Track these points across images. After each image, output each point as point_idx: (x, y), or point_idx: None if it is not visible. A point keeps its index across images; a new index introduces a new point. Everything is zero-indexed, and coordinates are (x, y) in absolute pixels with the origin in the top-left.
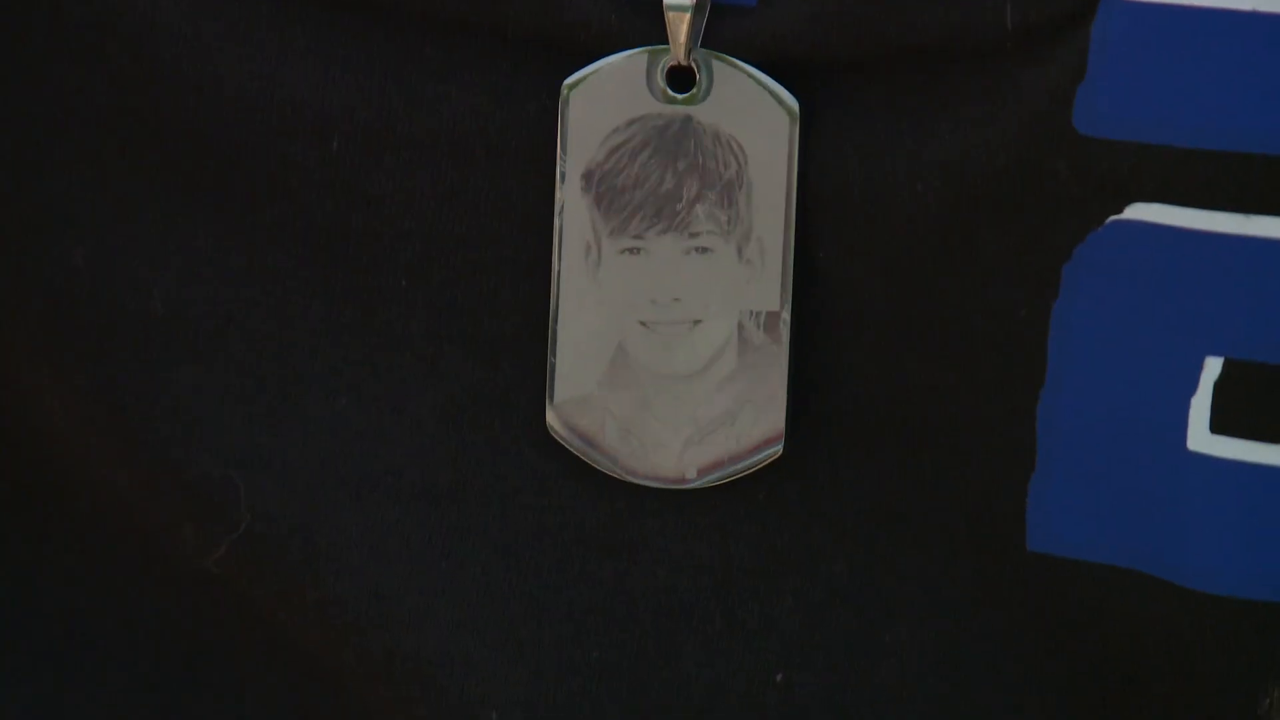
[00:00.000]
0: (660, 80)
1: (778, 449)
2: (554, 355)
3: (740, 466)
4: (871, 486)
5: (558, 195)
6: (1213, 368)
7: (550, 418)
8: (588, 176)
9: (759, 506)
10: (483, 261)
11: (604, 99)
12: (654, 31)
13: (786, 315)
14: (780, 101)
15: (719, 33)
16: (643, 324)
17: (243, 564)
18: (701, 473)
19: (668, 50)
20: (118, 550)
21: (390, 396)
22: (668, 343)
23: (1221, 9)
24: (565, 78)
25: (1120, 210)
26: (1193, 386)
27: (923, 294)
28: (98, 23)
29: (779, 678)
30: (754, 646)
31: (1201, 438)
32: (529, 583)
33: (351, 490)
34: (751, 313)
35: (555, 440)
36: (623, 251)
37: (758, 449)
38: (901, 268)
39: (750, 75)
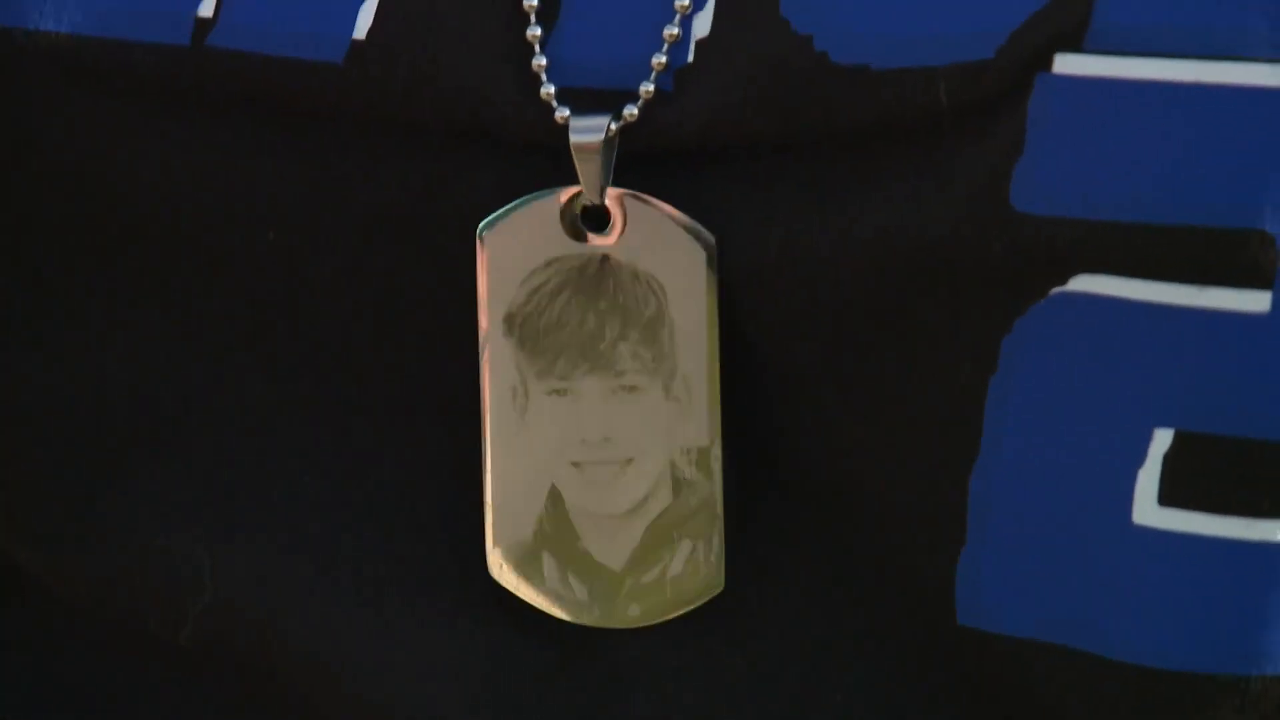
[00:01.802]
0: (575, 220)
1: (718, 585)
2: (488, 500)
3: (681, 606)
4: (808, 553)
5: (481, 338)
6: (1162, 439)
7: (491, 562)
8: (509, 319)
9: (701, 633)
10: (431, 333)
11: (520, 241)
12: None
13: (717, 450)
14: (696, 236)
15: (637, 120)
16: (574, 465)
17: (211, 637)
18: (644, 612)
19: (580, 190)
20: (90, 629)
21: (349, 470)
22: (600, 482)
23: (1163, 81)
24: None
25: (1064, 282)
26: (1140, 459)
27: (855, 368)
28: (32, 126)
29: None
30: (689, 701)
31: (1149, 510)
32: (483, 663)
33: (314, 558)
34: (682, 449)
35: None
36: (550, 393)
37: (697, 587)
38: (831, 343)
39: (664, 212)
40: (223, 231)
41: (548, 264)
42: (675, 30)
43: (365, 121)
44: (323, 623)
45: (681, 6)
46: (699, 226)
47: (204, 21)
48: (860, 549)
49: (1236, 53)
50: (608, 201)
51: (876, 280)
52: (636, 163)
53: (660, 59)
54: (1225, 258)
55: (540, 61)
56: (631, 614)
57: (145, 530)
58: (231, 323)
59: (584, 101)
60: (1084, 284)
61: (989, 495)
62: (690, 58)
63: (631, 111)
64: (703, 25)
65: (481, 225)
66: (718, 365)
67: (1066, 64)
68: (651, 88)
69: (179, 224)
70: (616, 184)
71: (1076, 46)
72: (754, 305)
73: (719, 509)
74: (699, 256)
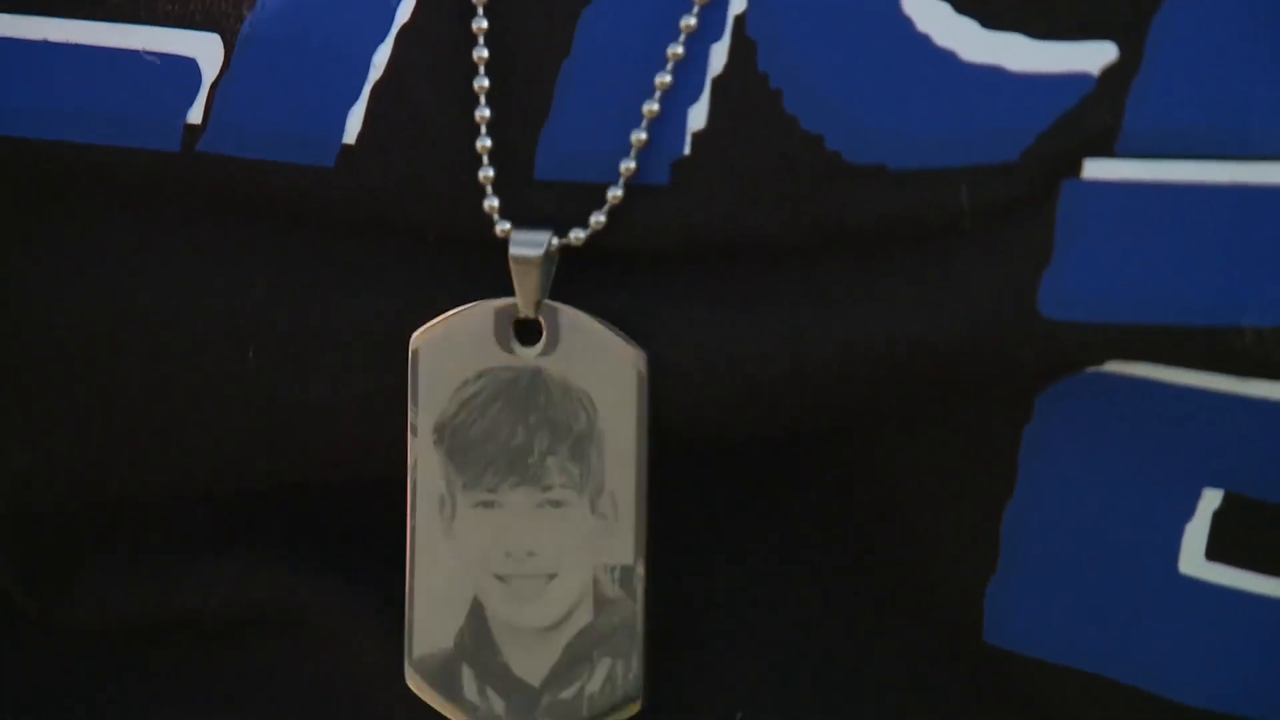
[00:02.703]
0: (508, 332)
1: (635, 705)
2: (410, 610)
3: None
4: (825, 563)
5: (410, 449)
6: (1212, 498)
7: (409, 673)
8: (439, 429)
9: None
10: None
11: (453, 351)
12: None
13: (641, 569)
14: (627, 351)
15: (631, 213)
16: (498, 577)
17: (234, 607)
18: None
19: (514, 301)
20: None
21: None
22: (523, 596)
23: (1199, 183)
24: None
25: (1100, 365)
26: (1188, 514)
27: (875, 429)
28: (14, 235)
29: (739, 716)
30: (712, 709)
31: (1195, 563)
32: None
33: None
34: (606, 566)
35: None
36: (477, 505)
37: (614, 705)
38: (850, 428)
39: (596, 327)
40: (205, 350)
41: (479, 375)
42: (655, 106)
43: (352, 230)
44: (344, 594)
45: (662, 83)
46: (630, 342)
47: (193, 127)
48: (885, 568)
49: (1273, 153)
50: (542, 315)
51: (889, 385)
52: (608, 262)
53: (640, 135)
54: (1269, 356)
55: (488, 174)
56: None
57: (170, 538)
58: (206, 448)
59: (568, 195)
60: (1120, 367)
61: (1022, 532)
62: (687, 150)
63: (579, 235)
64: (698, 117)
65: (415, 334)
66: (645, 483)
67: (1097, 169)
68: (634, 164)
69: (160, 342)
70: (600, 287)
71: (1107, 151)
72: (738, 410)
73: (640, 628)
74: (631, 373)
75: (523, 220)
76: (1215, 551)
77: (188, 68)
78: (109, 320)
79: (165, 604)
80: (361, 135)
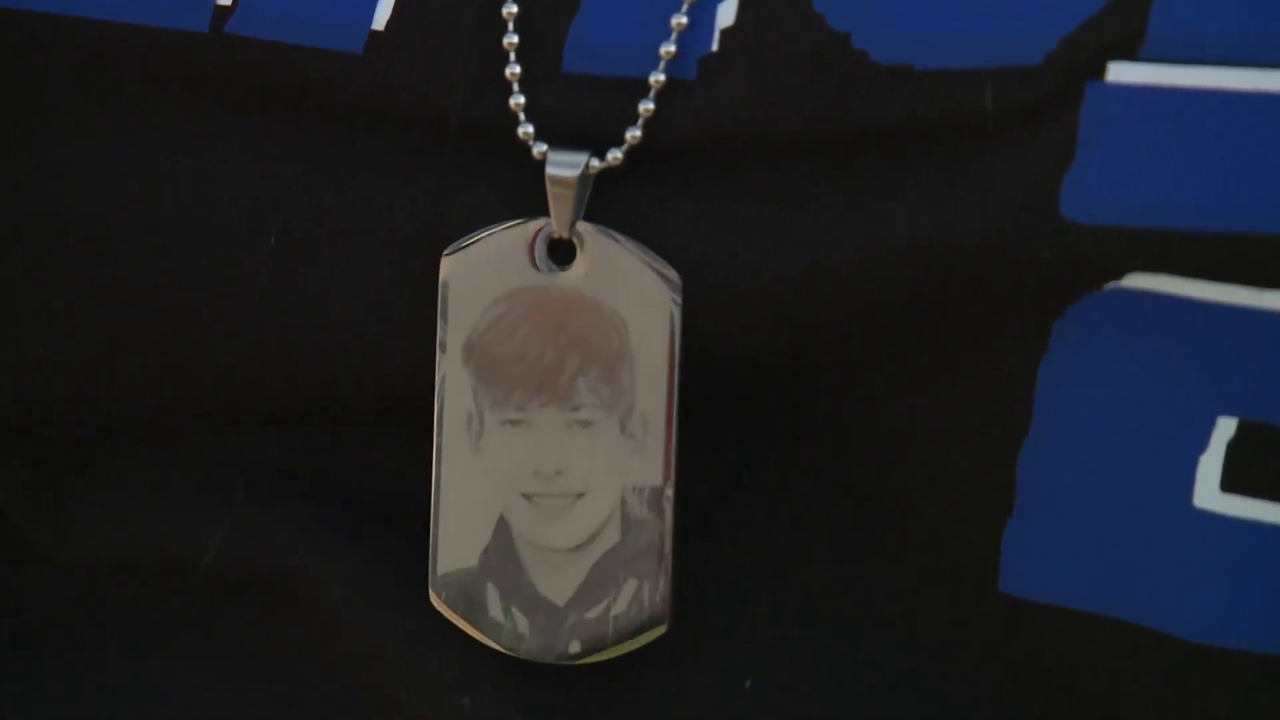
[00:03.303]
0: (541, 252)
1: (661, 627)
2: (436, 527)
3: (623, 645)
4: (848, 507)
5: (438, 365)
6: (1226, 427)
7: (432, 590)
8: (469, 347)
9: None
10: (425, 344)
11: (485, 270)
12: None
13: (670, 491)
14: (661, 275)
15: (651, 118)
16: (525, 496)
17: (230, 562)
18: (585, 649)
19: (549, 222)
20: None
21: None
22: (550, 515)
23: (1220, 89)
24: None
25: (1119, 279)
26: (1202, 445)
27: (893, 354)
28: (28, 129)
29: (747, 684)
30: (721, 658)
31: (1210, 495)
32: None
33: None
34: (634, 487)
35: None
36: (505, 423)
37: (640, 627)
38: (863, 339)
39: (631, 249)
40: (226, 236)
41: (510, 294)
42: (683, 19)
43: (377, 122)
44: (342, 557)
45: None
46: (665, 264)
47: (223, 8)
48: (897, 516)
49: None
50: (576, 235)
51: (911, 287)
52: (642, 174)
53: (669, 48)
54: None
55: (514, 70)
56: (572, 650)
57: (173, 465)
58: (224, 338)
59: (595, 90)
60: (1139, 281)
61: (1038, 472)
62: (715, 46)
63: (616, 156)
64: (727, 14)
65: (446, 251)
66: (676, 405)
67: (1120, 72)
68: (663, 77)
69: (181, 228)
70: (632, 190)
71: (1131, 55)
72: (770, 315)
73: (668, 549)
74: (664, 294)
75: (548, 118)
76: (1230, 483)
77: None
78: (129, 203)
79: (157, 548)
80: (390, 23)
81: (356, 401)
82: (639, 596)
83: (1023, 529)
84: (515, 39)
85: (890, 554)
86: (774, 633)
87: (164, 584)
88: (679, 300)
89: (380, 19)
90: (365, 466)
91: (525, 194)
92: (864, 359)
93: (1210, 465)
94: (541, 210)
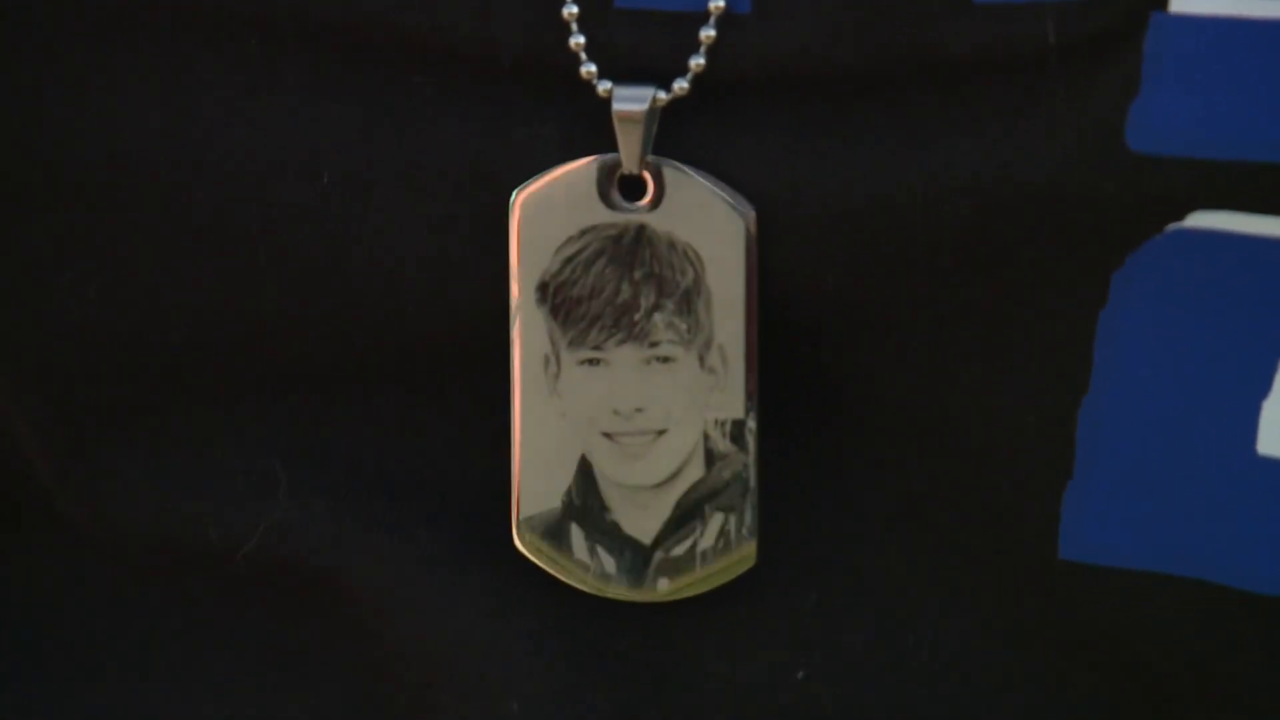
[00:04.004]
0: (612, 188)
1: (750, 560)
2: (516, 470)
3: (711, 579)
4: (899, 484)
5: (512, 306)
6: None
7: (516, 533)
8: (542, 287)
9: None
10: (483, 287)
11: (555, 208)
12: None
13: (752, 423)
14: (734, 207)
15: (713, 46)
16: (606, 435)
17: (269, 556)
18: (673, 586)
19: (619, 158)
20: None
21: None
22: (632, 453)
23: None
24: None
25: (1181, 218)
26: (1265, 390)
27: (954, 303)
28: (82, 73)
29: (800, 675)
30: (776, 641)
31: (1275, 441)
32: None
33: (381, 486)
34: (716, 421)
35: None
36: (582, 362)
37: (729, 561)
38: (925, 283)
39: (703, 182)
40: (278, 175)
41: (583, 233)
42: None
43: (430, 60)
44: (386, 556)
45: None
46: (738, 195)
47: None
48: (956, 479)
49: None
50: (645, 171)
51: (974, 224)
52: (704, 109)
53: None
54: None
55: (572, 10)
56: (660, 588)
57: (217, 439)
58: (276, 276)
59: (653, 24)
60: (1202, 220)
61: (1098, 429)
62: None
63: (682, 86)
64: None
65: (515, 192)
66: (755, 336)
67: (1185, 3)
68: (722, 3)
69: (233, 167)
70: (694, 125)
71: None
72: (833, 251)
73: (752, 482)
74: (738, 226)
75: (609, 54)
76: None
77: None
78: (180, 143)
79: (196, 534)
80: None
81: (418, 346)
82: (726, 529)
83: (1082, 491)
84: None
85: (942, 533)
86: (820, 614)
87: (198, 572)
88: (753, 231)
89: None
90: (410, 462)
91: (583, 131)
92: (925, 304)
93: (1274, 410)
94: (600, 147)
